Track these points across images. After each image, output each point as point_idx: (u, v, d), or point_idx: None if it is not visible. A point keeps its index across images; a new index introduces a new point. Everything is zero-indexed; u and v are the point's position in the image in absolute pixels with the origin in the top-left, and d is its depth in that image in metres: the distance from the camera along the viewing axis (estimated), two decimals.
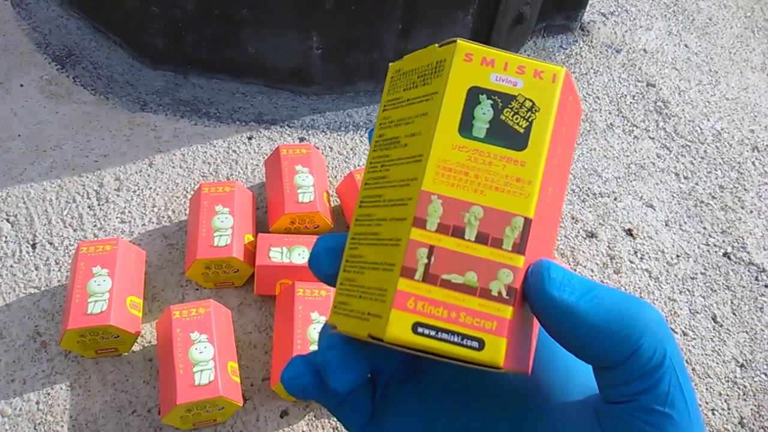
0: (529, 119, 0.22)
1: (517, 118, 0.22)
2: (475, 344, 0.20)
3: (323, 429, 0.78)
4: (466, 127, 0.22)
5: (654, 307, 0.21)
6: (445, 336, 0.21)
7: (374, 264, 0.22)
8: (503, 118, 0.22)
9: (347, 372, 0.24)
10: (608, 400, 0.22)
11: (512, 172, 0.22)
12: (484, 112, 0.22)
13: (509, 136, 0.22)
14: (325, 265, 0.25)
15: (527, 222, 0.21)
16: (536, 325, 0.24)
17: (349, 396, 0.27)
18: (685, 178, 1.14)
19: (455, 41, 0.23)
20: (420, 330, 0.21)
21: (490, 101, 0.22)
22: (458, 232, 0.21)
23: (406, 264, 0.21)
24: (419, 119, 0.23)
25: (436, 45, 0.24)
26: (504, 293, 0.21)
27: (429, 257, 0.21)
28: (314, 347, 0.75)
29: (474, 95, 0.22)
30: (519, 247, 0.21)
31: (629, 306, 0.21)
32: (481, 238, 0.21)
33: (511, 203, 0.21)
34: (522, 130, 0.22)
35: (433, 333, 0.21)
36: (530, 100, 0.22)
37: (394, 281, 0.21)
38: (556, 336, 0.22)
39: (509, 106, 0.22)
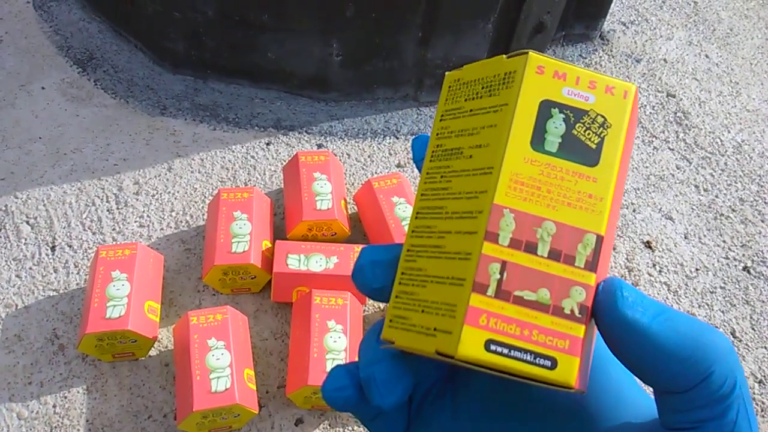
0: (601, 135, 0.22)
1: (589, 134, 0.22)
2: (548, 363, 0.20)
3: None
4: (538, 140, 0.22)
5: (725, 335, 0.21)
6: (517, 354, 0.20)
7: (439, 278, 0.22)
8: (575, 133, 0.22)
9: (394, 389, 0.23)
10: (670, 426, 0.21)
11: (584, 188, 0.21)
12: (556, 126, 0.22)
13: (582, 151, 0.22)
14: (371, 280, 0.25)
15: (599, 239, 0.21)
16: (593, 344, 0.24)
17: (386, 410, 0.27)
18: (705, 190, 1.13)
19: (527, 53, 0.22)
20: (493, 348, 0.20)
21: (563, 115, 0.22)
22: (531, 248, 0.21)
23: (478, 279, 0.20)
24: (487, 131, 0.23)
25: (504, 56, 0.23)
26: (576, 311, 0.21)
27: (501, 273, 0.21)
28: (331, 356, 0.75)
29: (546, 108, 0.22)
30: (591, 265, 0.21)
31: (702, 332, 0.20)
32: (554, 255, 0.21)
33: (583, 220, 0.21)
34: (594, 146, 0.22)
35: (506, 351, 0.20)
36: (602, 116, 0.22)
37: (465, 296, 0.20)
38: (622, 357, 0.21)
39: (581, 121, 0.22)
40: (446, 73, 0.26)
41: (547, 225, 0.21)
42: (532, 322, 0.20)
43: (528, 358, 0.20)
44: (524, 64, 0.22)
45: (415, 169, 1.00)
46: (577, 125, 0.22)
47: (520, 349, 0.20)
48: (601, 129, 0.22)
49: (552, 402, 0.25)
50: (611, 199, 0.21)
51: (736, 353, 0.21)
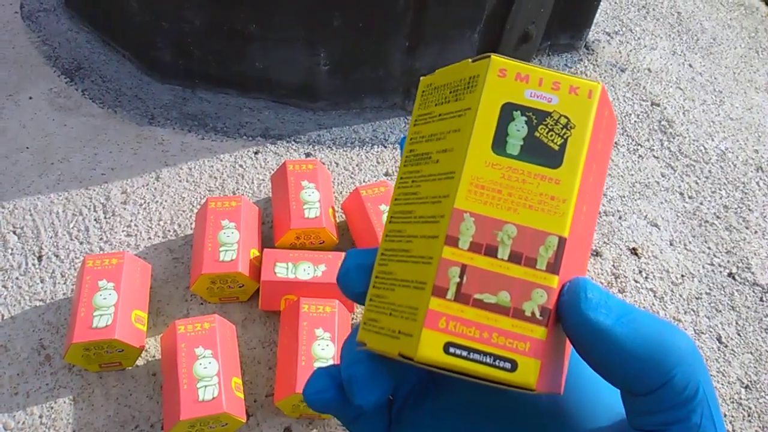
0: (564, 136, 0.22)
1: (552, 135, 0.22)
2: (508, 365, 0.20)
3: None
4: (499, 144, 0.22)
5: (689, 336, 0.21)
6: (476, 357, 0.20)
7: (405, 281, 0.22)
8: (538, 135, 0.22)
9: (374, 388, 0.23)
10: (636, 427, 0.22)
11: (547, 190, 0.21)
12: (518, 128, 0.22)
13: (544, 153, 0.22)
14: (355, 283, 0.25)
15: (562, 241, 0.21)
16: (569, 343, 0.24)
17: (367, 410, 0.27)
18: (690, 197, 1.14)
19: (489, 56, 0.22)
20: (452, 350, 0.20)
21: (525, 118, 0.22)
22: (491, 251, 0.21)
23: (438, 283, 0.21)
24: (451, 135, 0.23)
25: (470, 60, 0.23)
26: (537, 314, 0.21)
27: (461, 276, 0.21)
28: (318, 363, 0.75)
29: (508, 111, 0.22)
30: (553, 267, 0.21)
31: (665, 333, 0.21)
32: (515, 258, 0.21)
33: (545, 222, 0.21)
34: (557, 148, 0.22)
35: (464, 353, 0.20)
36: (565, 117, 0.22)
37: (425, 300, 0.21)
38: (587, 357, 0.21)
39: (544, 122, 0.22)
40: (421, 77, 0.26)
41: (508, 228, 0.21)
42: (491, 325, 0.21)
43: (487, 360, 0.20)
44: (486, 68, 0.22)
45: None
46: (540, 127, 0.22)
47: (479, 352, 0.20)
48: (564, 130, 0.22)
49: (532, 404, 0.25)
50: (575, 201, 0.21)
51: (701, 355, 0.21)
